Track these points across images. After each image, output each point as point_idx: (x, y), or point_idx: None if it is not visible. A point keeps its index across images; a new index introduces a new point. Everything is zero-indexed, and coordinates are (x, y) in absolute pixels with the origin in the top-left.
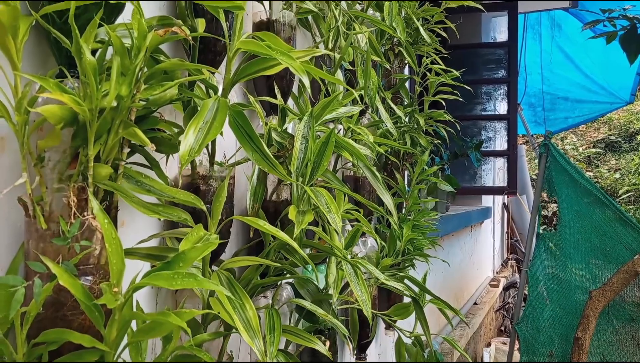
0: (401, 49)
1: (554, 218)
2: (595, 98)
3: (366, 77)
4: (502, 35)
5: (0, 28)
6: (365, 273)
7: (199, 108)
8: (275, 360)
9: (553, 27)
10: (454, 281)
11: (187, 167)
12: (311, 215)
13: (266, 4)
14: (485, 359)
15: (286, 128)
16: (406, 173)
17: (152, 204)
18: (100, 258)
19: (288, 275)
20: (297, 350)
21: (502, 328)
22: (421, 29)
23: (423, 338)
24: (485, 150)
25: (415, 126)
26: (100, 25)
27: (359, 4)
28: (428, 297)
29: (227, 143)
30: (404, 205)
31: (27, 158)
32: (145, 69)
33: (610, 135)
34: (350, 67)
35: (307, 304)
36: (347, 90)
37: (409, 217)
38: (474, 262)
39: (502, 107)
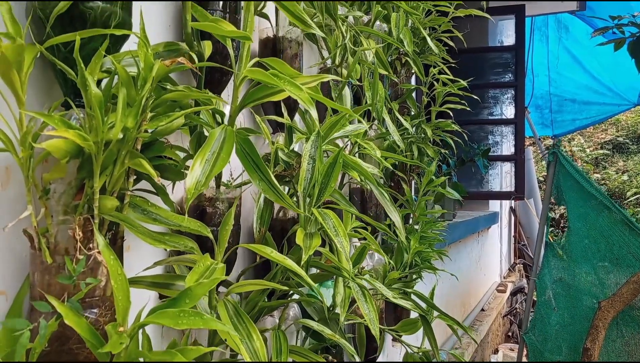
0: (408, 59)
1: (562, 221)
2: (603, 100)
3: (374, 94)
4: (509, 39)
5: (5, 63)
6: (371, 289)
7: (204, 132)
8: None
9: (560, 29)
10: (461, 287)
11: None
12: (319, 239)
13: (273, 20)
14: None
15: (293, 147)
16: (413, 182)
17: (158, 234)
18: (106, 290)
19: (295, 297)
20: None
21: (510, 333)
22: (428, 39)
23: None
24: (493, 155)
25: (423, 136)
26: (106, 52)
27: (366, 15)
28: (436, 312)
29: (233, 162)
30: (411, 216)
31: (32, 190)
32: (152, 96)
33: (618, 136)
34: (358, 83)
35: (315, 324)
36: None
37: (416, 227)
38: (481, 268)
39: (509, 111)
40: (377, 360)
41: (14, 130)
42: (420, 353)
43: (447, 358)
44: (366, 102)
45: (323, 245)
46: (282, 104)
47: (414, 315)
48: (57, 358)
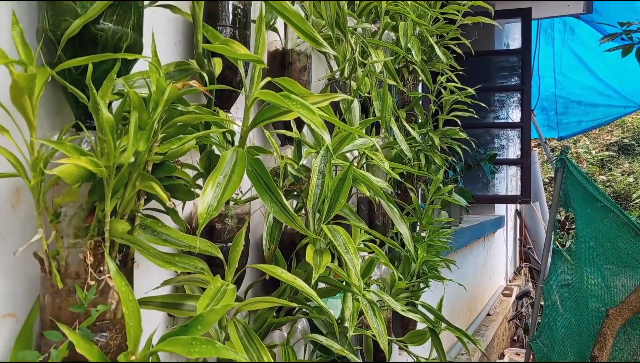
0: (416, 67)
1: (567, 223)
2: (609, 102)
3: (384, 107)
4: (515, 43)
5: (17, 90)
6: (379, 300)
7: (215, 149)
8: None
9: (566, 31)
10: (467, 292)
11: None
12: (329, 257)
13: (282, 33)
14: None
15: (303, 162)
16: (420, 189)
17: (169, 255)
18: (116, 313)
19: (303, 311)
20: None
21: (515, 337)
22: (436, 47)
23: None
24: (499, 158)
25: (430, 143)
26: (117, 73)
27: (374, 25)
28: (444, 323)
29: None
30: (418, 224)
31: (43, 213)
32: (164, 117)
33: (624, 138)
34: (367, 95)
35: (323, 339)
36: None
37: (423, 235)
38: (487, 272)
39: (515, 115)
40: None
41: (25, 153)
42: None
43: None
44: (374, 111)
45: (332, 258)
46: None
47: (421, 327)
48: None
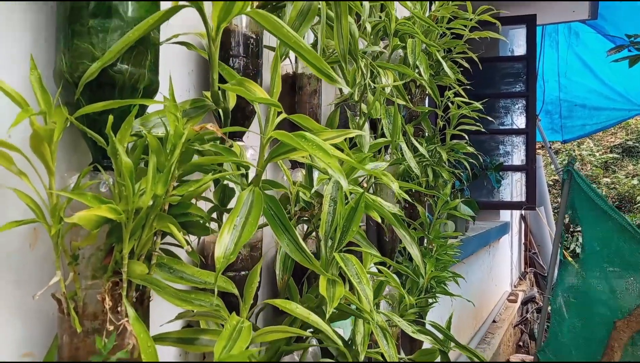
0: (423, 82)
1: (572, 226)
2: (613, 105)
3: (394, 130)
4: (520, 49)
5: (36, 139)
6: (388, 320)
7: (229, 184)
8: None
9: (570, 35)
10: (473, 300)
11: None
12: (342, 288)
13: (292, 56)
14: None
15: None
16: (427, 201)
17: (184, 293)
18: (133, 353)
19: (315, 339)
20: None
21: (521, 343)
22: (444, 64)
23: None
24: (502, 162)
25: (437, 158)
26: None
27: (382, 41)
28: (453, 342)
29: None
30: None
31: (61, 255)
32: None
33: (628, 140)
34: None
35: None
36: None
37: (431, 247)
38: (492, 278)
39: (520, 121)
40: None
41: (43, 195)
42: None
43: None
44: (382, 128)
45: (343, 280)
46: None
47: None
48: None
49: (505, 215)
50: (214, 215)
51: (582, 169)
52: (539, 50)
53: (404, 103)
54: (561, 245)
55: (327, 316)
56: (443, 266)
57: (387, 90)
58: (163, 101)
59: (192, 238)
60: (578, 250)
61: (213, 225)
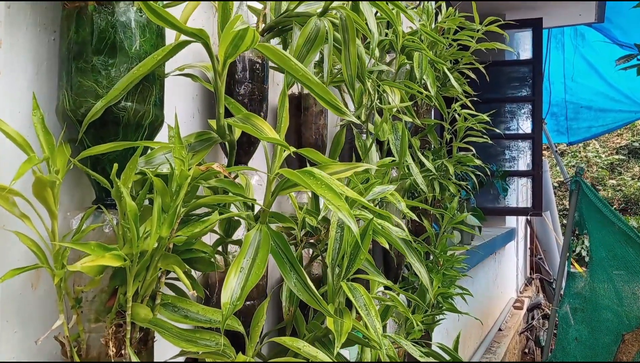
0: (430, 96)
1: (576, 229)
2: (619, 107)
3: (402, 151)
4: (525, 53)
5: (39, 186)
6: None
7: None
8: None
9: (576, 37)
10: (479, 309)
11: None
12: (350, 322)
13: None
14: None
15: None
16: (433, 214)
17: (189, 332)
18: None
19: None
20: None
21: (526, 350)
22: (451, 77)
23: None
24: (509, 170)
25: (444, 171)
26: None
27: (388, 54)
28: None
29: None
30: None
31: (64, 299)
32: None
33: (634, 141)
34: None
35: None
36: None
37: (438, 258)
38: (498, 285)
39: (525, 125)
40: None
41: (45, 237)
42: None
43: None
44: (388, 144)
45: (349, 306)
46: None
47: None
48: None
49: (511, 221)
50: (220, 248)
51: (588, 171)
52: (544, 53)
53: (411, 120)
54: (569, 256)
55: (335, 353)
56: (450, 281)
57: (393, 102)
58: (169, 144)
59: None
60: (584, 253)
61: (220, 262)
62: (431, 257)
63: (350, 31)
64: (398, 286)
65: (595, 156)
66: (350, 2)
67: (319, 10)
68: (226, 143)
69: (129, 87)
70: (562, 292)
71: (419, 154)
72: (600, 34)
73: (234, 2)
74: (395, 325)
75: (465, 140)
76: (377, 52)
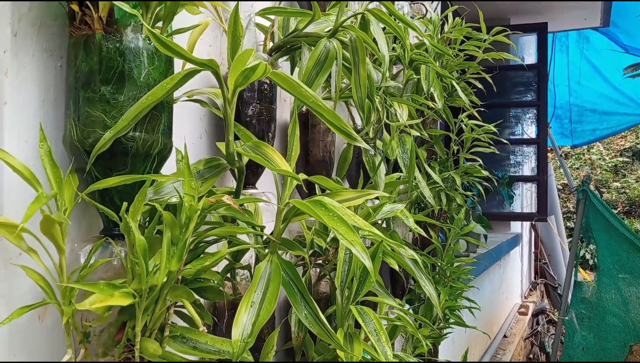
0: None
1: (580, 233)
2: (624, 110)
3: (411, 169)
4: (530, 58)
5: (47, 223)
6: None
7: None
8: None
9: (581, 40)
10: (484, 315)
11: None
12: (360, 347)
13: None
14: None
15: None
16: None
17: None
18: None
19: None
20: None
21: (531, 355)
22: (458, 88)
23: None
24: (514, 175)
25: (451, 182)
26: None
27: (396, 67)
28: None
29: None
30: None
31: (72, 333)
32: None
33: (638, 144)
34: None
35: None
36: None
37: (445, 270)
38: (503, 291)
39: (530, 130)
40: None
41: (52, 271)
42: None
43: None
44: (395, 158)
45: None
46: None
47: None
48: None
49: (515, 225)
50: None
51: (592, 173)
52: (549, 56)
53: (419, 133)
54: (576, 264)
55: None
56: (457, 293)
57: (403, 119)
58: (178, 177)
59: None
60: (588, 256)
61: (228, 289)
62: (437, 269)
63: (360, 53)
64: (405, 299)
65: (599, 159)
66: (359, 20)
67: (327, 29)
68: (235, 170)
69: (138, 118)
70: (568, 301)
71: (426, 166)
72: (605, 37)
73: (243, 22)
74: (402, 340)
75: (472, 151)
76: (388, 78)
